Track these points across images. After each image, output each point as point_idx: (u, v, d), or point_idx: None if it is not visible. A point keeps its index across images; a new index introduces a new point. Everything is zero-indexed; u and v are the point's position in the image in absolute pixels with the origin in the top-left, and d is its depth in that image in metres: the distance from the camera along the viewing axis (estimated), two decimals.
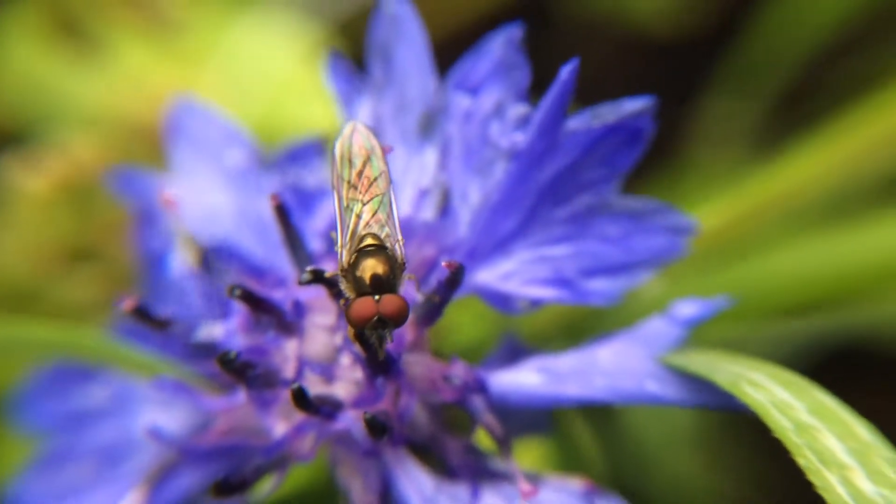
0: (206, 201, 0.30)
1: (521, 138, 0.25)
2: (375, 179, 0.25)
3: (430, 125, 0.28)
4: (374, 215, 0.24)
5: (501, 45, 0.26)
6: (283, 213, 0.26)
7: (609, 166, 0.25)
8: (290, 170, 0.31)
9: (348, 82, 0.29)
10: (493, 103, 0.26)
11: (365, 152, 0.25)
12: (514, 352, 0.28)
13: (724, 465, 0.48)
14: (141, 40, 0.49)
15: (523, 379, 0.26)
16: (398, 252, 0.23)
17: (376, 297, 0.22)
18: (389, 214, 0.24)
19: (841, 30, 0.50)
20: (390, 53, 0.28)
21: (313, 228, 0.29)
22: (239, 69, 0.48)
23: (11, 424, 0.28)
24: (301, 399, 0.22)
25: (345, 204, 0.24)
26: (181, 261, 0.30)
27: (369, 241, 0.23)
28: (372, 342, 0.22)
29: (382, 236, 0.24)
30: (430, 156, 0.28)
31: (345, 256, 0.23)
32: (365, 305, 0.22)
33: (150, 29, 0.49)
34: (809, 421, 0.21)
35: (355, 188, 0.24)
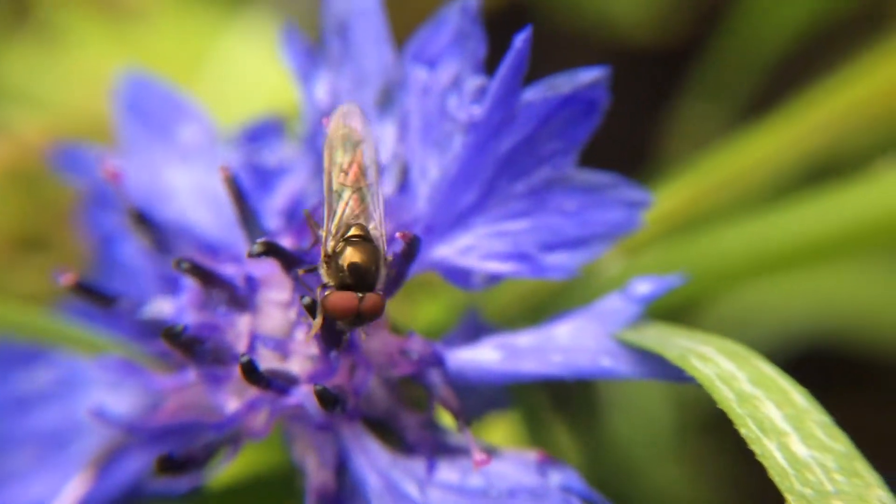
0: (158, 178, 0.29)
1: (478, 110, 0.25)
2: (367, 168, 0.24)
3: (388, 99, 0.27)
4: (361, 204, 0.24)
5: (457, 14, 0.25)
6: (234, 185, 0.25)
7: (566, 138, 0.25)
8: (249, 148, 0.30)
9: (305, 57, 0.28)
10: (450, 76, 0.26)
11: (359, 137, 0.25)
12: (476, 330, 0.28)
13: (706, 473, 0.49)
14: (102, 33, 0.47)
15: (481, 355, 0.26)
16: (381, 246, 0.23)
17: (359, 294, 0.22)
18: (376, 206, 0.24)
19: (805, 37, 0.53)
20: (347, 27, 0.28)
21: (272, 207, 0.28)
22: (227, 78, 0.47)
23: None
24: (250, 372, 0.22)
25: (334, 188, 0.24)
26: (131, 240, 0.29)
27: (355, 231, 0.23)
28: (337, 329, 0.22)
29: (370, 228, 0.23)
30: (389, 130, 0.27)
31: (330, 243, 0.23)
32: (346, 300, 0.22)
33: (112, 24, 0.47)
34: (751, 391, 0.21)
35: (346, 174, 0.24)
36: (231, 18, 0.48)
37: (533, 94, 0.25)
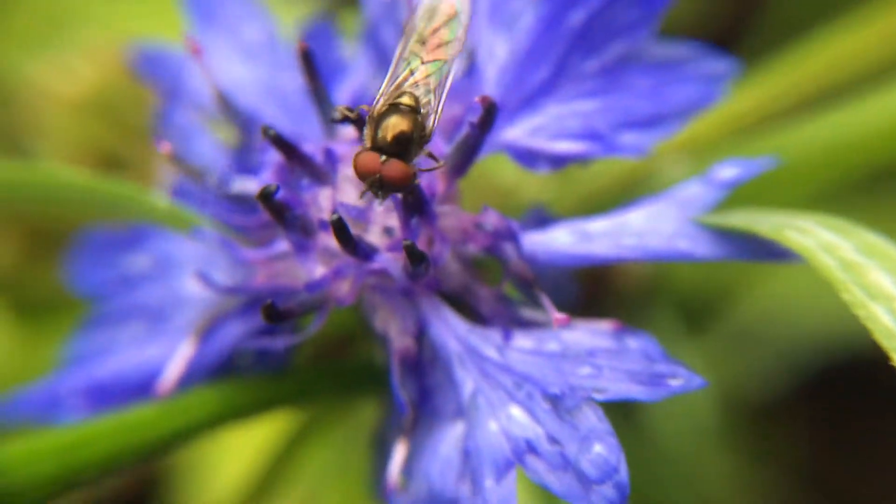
0: (228, 76, 0.30)
1: None
2: (446, 43, 0.24)
3: None
4: (426, 77, 0.23)
5: None
6: (308, 59, 0.26)
7: (644, 6, 0.24)
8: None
9: None
10: None
11: (451, 13, 0.24)
12: (543, 221, 0.28)
13: (748, 474, 0.48)
14: None
15: (553, 237, 0.26)
16: (429, 124, 0.23)
17: (383, 157, 0.22)
18: (441, 84, 0.23)
19: None
20: None
21: (337, 100, 0.28)
22: None
23: (64, 287, 0.29)
24: (341, 230, 0.23)
25: (405, 55, 0.23)
26: (206, 135, 0.30)
27: (406, 99, 0.23)
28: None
29: (423, 101, 0.23)
30: None
31: (379, 103, 0.23)
32: (369, 160, 0.22)
33: None
34: (857, 259, 0.20)
35: (422, 44, 0.24)
36: None
37: None
